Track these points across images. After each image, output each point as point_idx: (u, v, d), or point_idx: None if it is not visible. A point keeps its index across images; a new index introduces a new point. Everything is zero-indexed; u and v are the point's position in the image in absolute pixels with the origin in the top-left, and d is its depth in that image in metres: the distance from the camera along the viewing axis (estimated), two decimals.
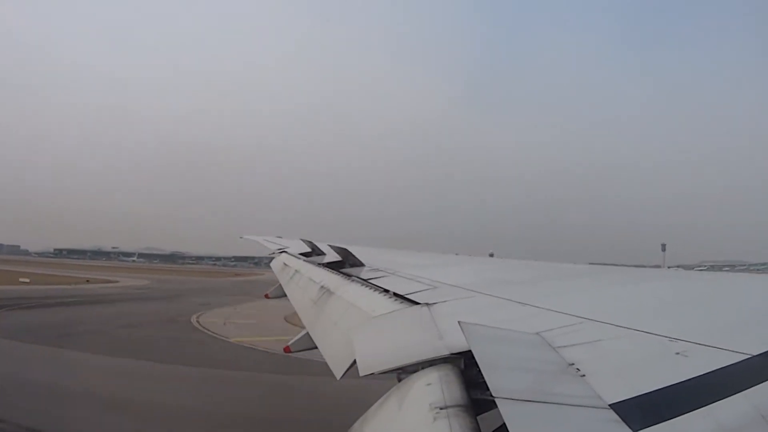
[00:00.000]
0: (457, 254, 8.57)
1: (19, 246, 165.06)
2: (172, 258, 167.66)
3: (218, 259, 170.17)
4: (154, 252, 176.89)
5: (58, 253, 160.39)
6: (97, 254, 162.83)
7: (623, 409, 1.38)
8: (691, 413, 1.35)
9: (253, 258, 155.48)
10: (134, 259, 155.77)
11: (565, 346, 1.89)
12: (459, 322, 1.98)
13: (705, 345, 1.77)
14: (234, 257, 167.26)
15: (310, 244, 7.89)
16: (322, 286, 4.95)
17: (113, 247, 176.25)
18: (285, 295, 6.64)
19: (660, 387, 1.48)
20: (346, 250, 5.49)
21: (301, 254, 8.01)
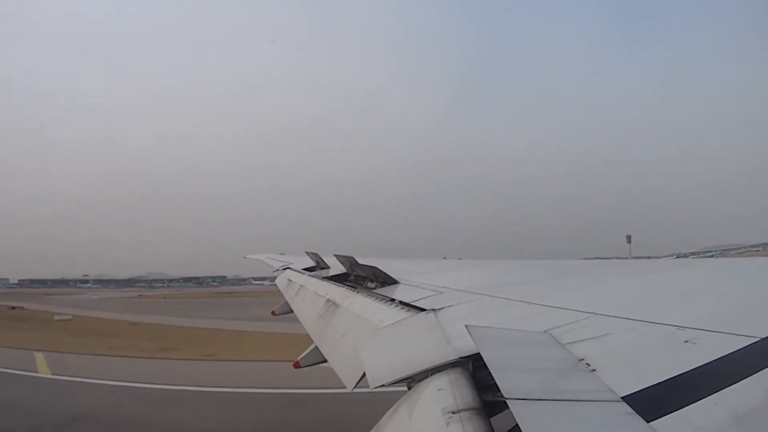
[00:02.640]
0: (460, 259, 8.56)
1: (8, 279, 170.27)
2: (130, 283, 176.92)
3: (165, 280, 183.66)
4: (116, 278, 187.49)
5: (22, 283, 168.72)
6: (57, 282, 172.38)
7: (636, 400, 1.38)
8: (703, 400, 1.35)
9: (198, 278, 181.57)
10: (89, 285, 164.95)
11: (573, 342, 1.89)
12: (466, 325, 1.98)
13: (713, 331, 1.77)
14: (182, 278, 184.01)
15: (315, 256, 7.90)
16: (328, 300, 4.94)
17: (84, 275, 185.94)
18: (291, 311, 6.64)
19: (671, 376, 1.48)
20: (352, 258, 5.49)
21: (305, 269, 8.02)
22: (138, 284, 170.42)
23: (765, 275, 2.97)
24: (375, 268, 4.71)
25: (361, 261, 5.39)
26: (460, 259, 8.44)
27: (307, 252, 8.50)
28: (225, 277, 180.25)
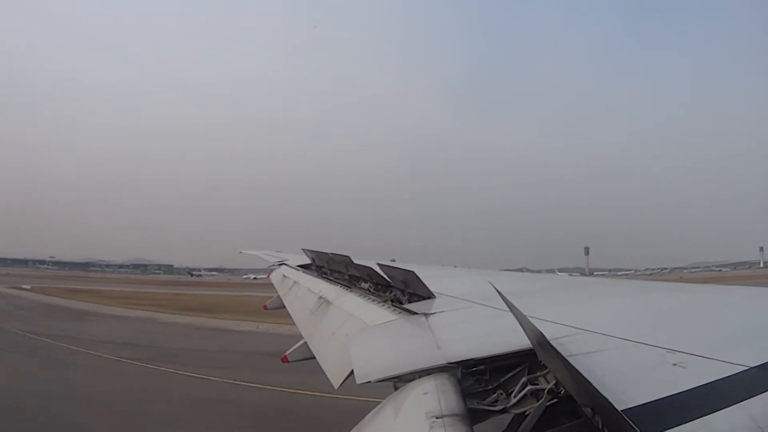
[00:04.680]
0: (455, 266, 8.57)
1: None
2: (85, 266, 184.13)
3: (115, 265, 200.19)
4: (75, 261, 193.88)
5: None
6: (17, 262, 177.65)
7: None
8: (688, 424, 1.35)
9: (144, 265, 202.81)
10: (47, 266, 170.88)
11: None
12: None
13: (702, 356, 1.77)
14: (132, 264, 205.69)
15: (311, 253, 7.89)
16: (320, 297, 4.94)
17: (50, 257, 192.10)
18: (284, 306, 6.64)
19: (657, 398, 1.48)
20: (348, 258, 5.48)
21: (300, 266, 8.02)
22: (90, 268, 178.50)
23: (758, 304, 2.96)
24: (369, 268, 4.70)
25: (356, 261, 5.38)
26: (455, 266, 8.46)
27: (303, 249, 8.49)
28: (172, 266, 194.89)
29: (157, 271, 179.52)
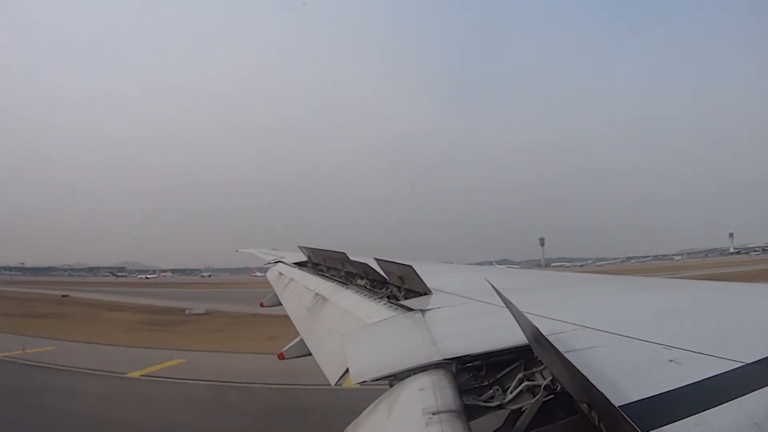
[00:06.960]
0: (451, 263, 8.58)
1: None
2: (47, 270, 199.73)
3: (69, 269, 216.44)
4: (39, 266, 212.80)
5: None
6: None
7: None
8: (684, 420, 1.34)
9: (98, 269, 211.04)
10: (10, 272, 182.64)
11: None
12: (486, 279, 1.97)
13: (698, 353, 1.76)
14: (88, 267, 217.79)
15: (308, 250, 7.89)
16: (316, 294, 4.93)
17: (20, 263, 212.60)
18: (280, 304, 6.64)
19: (654, 394, 1.48)
20: (344, 254, 5.47)
21: (296, 263, 8.02)
22: (52, 272, 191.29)
23: (754, 301, 2.97)
24: (366, 265, 4.69)
25: (353, 258, 5.37)
26: (451, 263, 8.48)
27: (299, 246, 8.49)
28: (124, 267, 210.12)
29: (106, 274, 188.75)
